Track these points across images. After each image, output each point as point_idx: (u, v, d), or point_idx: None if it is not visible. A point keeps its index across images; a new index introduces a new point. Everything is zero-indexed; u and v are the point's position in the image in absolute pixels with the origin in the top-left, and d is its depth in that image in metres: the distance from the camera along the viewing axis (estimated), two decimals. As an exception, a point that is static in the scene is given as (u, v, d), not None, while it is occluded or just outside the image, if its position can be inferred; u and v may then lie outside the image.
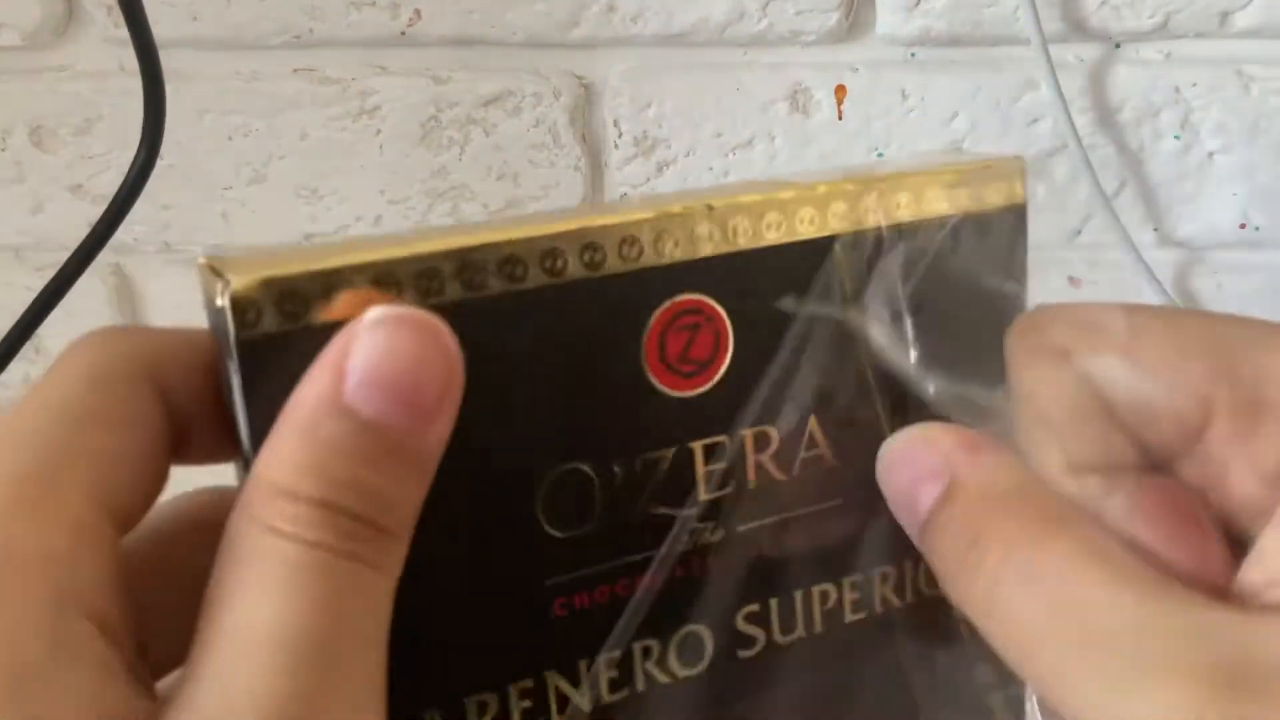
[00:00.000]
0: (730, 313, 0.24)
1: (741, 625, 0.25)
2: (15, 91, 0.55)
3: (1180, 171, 0.53)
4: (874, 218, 0.25)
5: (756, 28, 0.52)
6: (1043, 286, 0.56)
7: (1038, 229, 0.26)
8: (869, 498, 0.25)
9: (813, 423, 0.25)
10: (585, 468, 0.23)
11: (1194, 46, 0.51)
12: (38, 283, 0.46)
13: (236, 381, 0.20)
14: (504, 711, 0.23)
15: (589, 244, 0.23)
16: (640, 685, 0.24)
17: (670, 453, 0.24)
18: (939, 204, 0.26)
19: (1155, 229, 0.54)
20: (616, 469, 0.23)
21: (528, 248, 0.22)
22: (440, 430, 0.20)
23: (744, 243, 0.24)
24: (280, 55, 0.54)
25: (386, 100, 0.54)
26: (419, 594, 0.21)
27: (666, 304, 0.23)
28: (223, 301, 0.20)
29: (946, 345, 0.25)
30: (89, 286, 0.58)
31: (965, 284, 0.27)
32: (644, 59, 0.53)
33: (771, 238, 0.24)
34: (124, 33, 0.42)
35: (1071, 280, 0.56)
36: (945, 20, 0.51)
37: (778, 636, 0.25)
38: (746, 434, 0.25)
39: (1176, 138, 0.52)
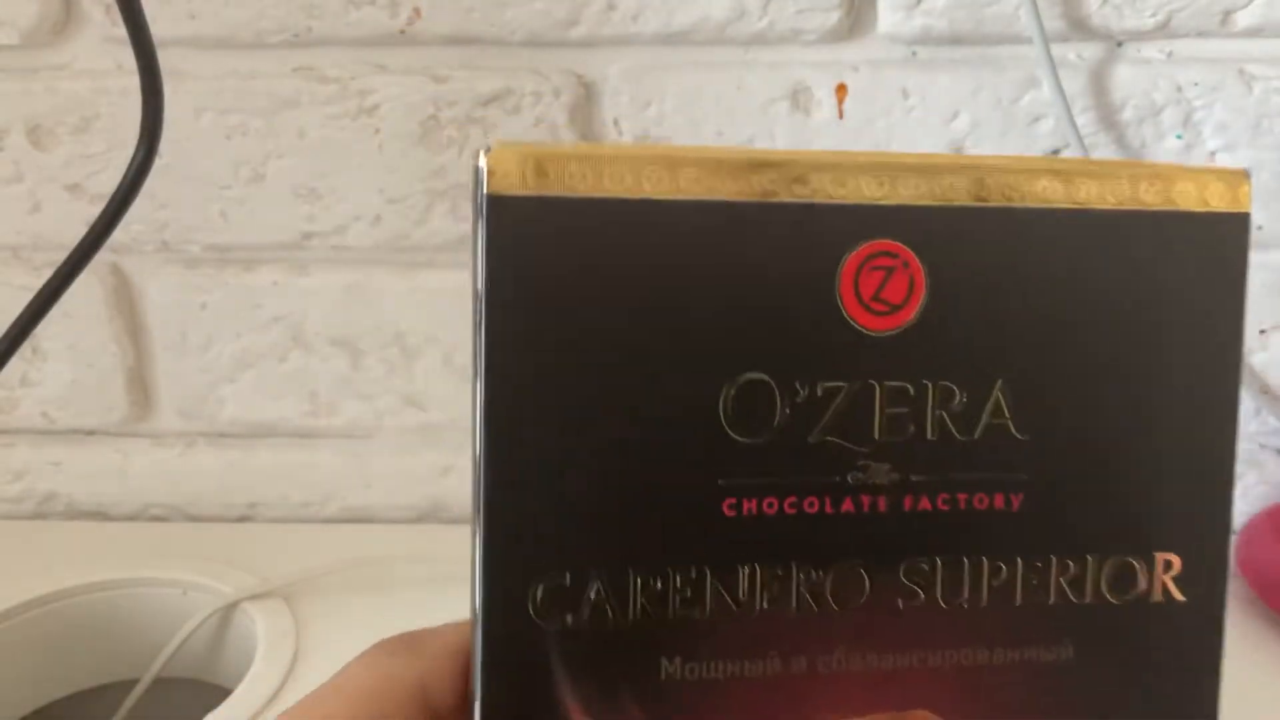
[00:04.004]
0: (927, 262, 0.25)
1: (904, 576, 0.25)
2: (13, 90, 0.55)
3: (1182, 171, 0.53)
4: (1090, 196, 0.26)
5: (757, 26, 0.52)
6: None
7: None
8: (1059, 481, 0.25)
9: (1000, 388, 0.25)
10: (770, 380, 0.24)
11: (1196, 45, 0.51)
12: (35, 282, 0.46)
13: (482, 234, 0.23)
14: (664, 592, 0.24)
15: (798, 176, 0.24)
16: (794, 606, 0.25)
17: (853, 386, 0.25)
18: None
19: (1157, 228, 0.54)
20: (799, 387, 0.25)
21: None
22: None
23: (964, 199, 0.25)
24: (279, 54, 0.54)
25: (385, 99, 0.54)
26: (598, 469, 0.24)
27: (862, 244, 0.25)
28: (480, 163, 0.23)
29: None
30: (87, 286, 0.58)
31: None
32: (644, 58, 0.53)
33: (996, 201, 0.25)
34: (122, 31, 0.42)
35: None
36: (946, 19, 0.51)
37: (939, 599, 0.25)
38: (930, 386, 0.25)
39: (1179, 137, 0.52)
